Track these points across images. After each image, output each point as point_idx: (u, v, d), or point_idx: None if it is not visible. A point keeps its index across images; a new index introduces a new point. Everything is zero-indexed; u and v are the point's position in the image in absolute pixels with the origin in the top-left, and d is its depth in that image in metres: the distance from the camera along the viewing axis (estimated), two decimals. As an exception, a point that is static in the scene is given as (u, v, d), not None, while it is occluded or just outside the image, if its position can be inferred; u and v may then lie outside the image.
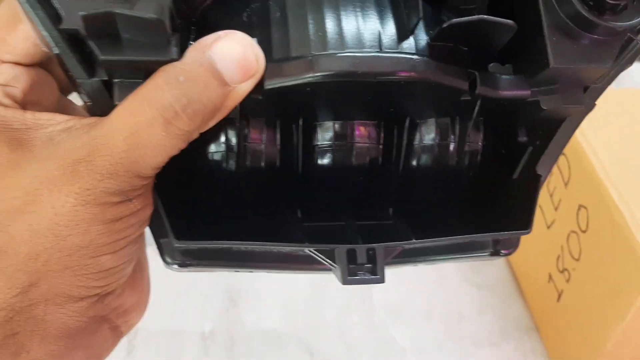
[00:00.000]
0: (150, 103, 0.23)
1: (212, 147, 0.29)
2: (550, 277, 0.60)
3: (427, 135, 0.31)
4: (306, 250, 0.29)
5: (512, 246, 0.34)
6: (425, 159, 0.31)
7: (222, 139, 0.29)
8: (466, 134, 0.31)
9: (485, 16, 0.25)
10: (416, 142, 0.31)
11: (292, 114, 0.30)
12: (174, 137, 0.24)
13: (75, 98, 0.29)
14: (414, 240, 0.29)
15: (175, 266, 0.31)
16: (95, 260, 0.25)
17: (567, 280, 0.57)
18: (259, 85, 0.25)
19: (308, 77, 0.26)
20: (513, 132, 0.31)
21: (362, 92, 0.28)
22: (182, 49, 0.24)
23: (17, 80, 0.26)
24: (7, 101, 0.26)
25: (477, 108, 0.30)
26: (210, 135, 0.29)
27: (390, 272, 0.28)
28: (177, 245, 0.27)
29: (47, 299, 0.25)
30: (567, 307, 0.58)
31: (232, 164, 0.30)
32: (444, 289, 0.68)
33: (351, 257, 0.28)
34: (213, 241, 0.28)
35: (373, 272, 0.28)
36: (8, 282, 0.24)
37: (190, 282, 0.65)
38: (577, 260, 0.55)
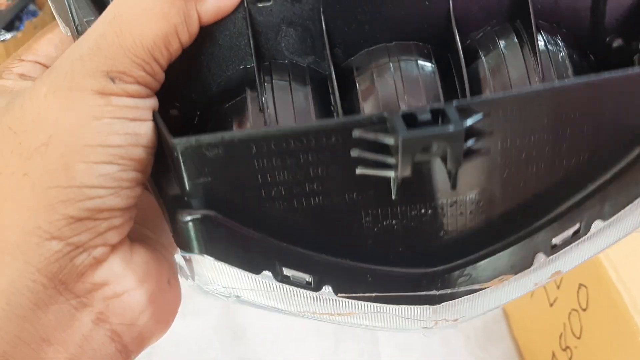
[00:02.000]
0: None
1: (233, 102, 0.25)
2: (553, 354, 0.61)
3: (488, 57, 0.24)
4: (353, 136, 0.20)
5: None
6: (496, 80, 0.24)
7: (242, 91, 0.25)
8: (535, 42, 0.24)
9: None
10: (477, 67, 0.24)
11: (314, 34, 0.25)
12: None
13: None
14: (503, 93, 0.22)
15: (188, 216, 0.22)
16: (57, 166, 0.21)
17: (570, 358, 0.58)
18: None
19: None
20: (600, 35, 0.24)
21: None
22: None
23: (35, 72, 0.27)
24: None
25: None
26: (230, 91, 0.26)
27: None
28: (175, 141, 0.21)
29: None
30: (571, 385, 0.59)
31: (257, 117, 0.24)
32: (451, 364, 0.69)
33: (409, 119, 0.20)
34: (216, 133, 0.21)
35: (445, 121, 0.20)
36: None
37: (202, 350, 0.67)
38: (579, 338, 0.56)
